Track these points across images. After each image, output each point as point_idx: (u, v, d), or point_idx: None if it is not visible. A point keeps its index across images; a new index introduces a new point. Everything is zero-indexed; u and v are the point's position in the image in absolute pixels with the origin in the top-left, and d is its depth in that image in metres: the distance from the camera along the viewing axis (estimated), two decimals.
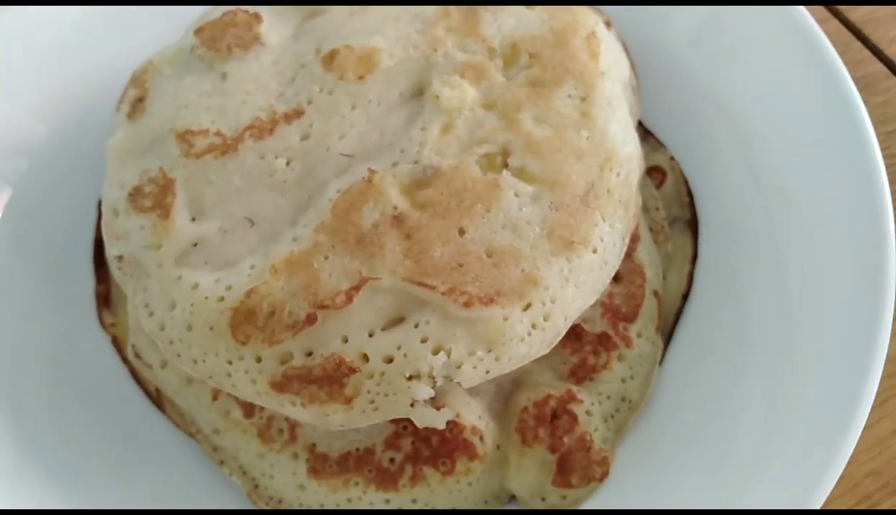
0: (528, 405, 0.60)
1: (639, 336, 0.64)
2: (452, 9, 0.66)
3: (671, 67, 0.76)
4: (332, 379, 0.51)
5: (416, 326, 0.52)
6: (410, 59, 0.63)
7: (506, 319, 0.52)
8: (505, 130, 0.59)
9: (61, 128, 0.75)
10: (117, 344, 0.68)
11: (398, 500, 0.58)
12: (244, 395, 0.53)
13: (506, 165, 0.57)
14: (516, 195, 0.56)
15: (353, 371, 0.51)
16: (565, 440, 0.59)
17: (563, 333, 0.55)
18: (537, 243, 0.54)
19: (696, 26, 0.75)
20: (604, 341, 0.63)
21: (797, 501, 0.51)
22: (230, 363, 0.53)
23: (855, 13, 0.93)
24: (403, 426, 0.59)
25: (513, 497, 0.60)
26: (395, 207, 0.55)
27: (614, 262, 0.58)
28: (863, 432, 0.52)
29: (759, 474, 0.55)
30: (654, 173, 0.73)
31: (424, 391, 0.51)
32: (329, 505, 0.59)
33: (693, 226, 0.70)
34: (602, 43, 0.65)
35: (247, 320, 0.52)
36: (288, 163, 0.59)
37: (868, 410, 0.53)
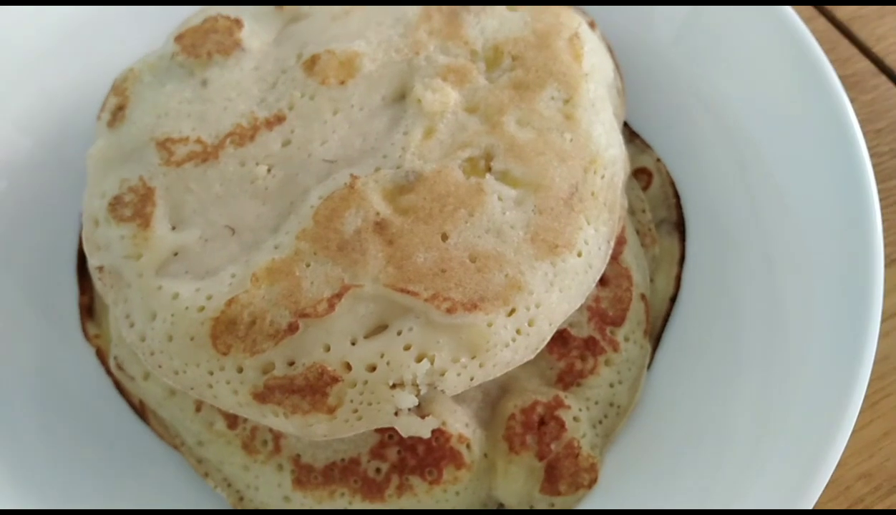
0: (515, 412, 0.59)
1: (626, 340, 0.63)
2: (434, 11, 0.65)
3: (656, 68, 0.75)
4: (314, 389, 0.50)
5: (399, 333, 0.51)
6: (392, 62, 0.63)
7: (490, 325, 0.51)
8: (488, 134, 0.58)
9: (44, 140, 0.74)
10: (101, 355, 0.67)
11: None
12: (226, 406, 0.53)
13: (489, 169, 0.57)
14: (500, 199, 0.55)
15: (335, 380, 0.50)
16: (553, 447, 0.58)
17: (549, 338, 0.54)
18: (521, 247, 0.54)
19: (679, 26, 0.74)
20: (591, 346, 0.62)
21: (788, 503, 0.51)
22: (211, 373, 0.52)
23: (842, 11, 0.92)
24: (389, 435, 0.59)
25: (501, 506, 0.60)
26: (378, 213, 0.54)
27: (599, 266, 0.57)
28: (854, 435, 0.52)
29: (749, 477, 0.54)
30: (640, 175, 0.72)
31: (408, 399, 0.50)
32: None
33: (680, 227, 0.69)
34: (585, 44, 0.64)
35: (228, 330, 0.51)
36: (269, 170, 0.59)
37: (857, 411, 0.52)
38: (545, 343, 0.54)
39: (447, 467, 0.57)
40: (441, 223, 0.54)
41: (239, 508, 0.60)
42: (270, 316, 0.51)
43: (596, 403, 0.61)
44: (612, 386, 0.62)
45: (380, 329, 0.52)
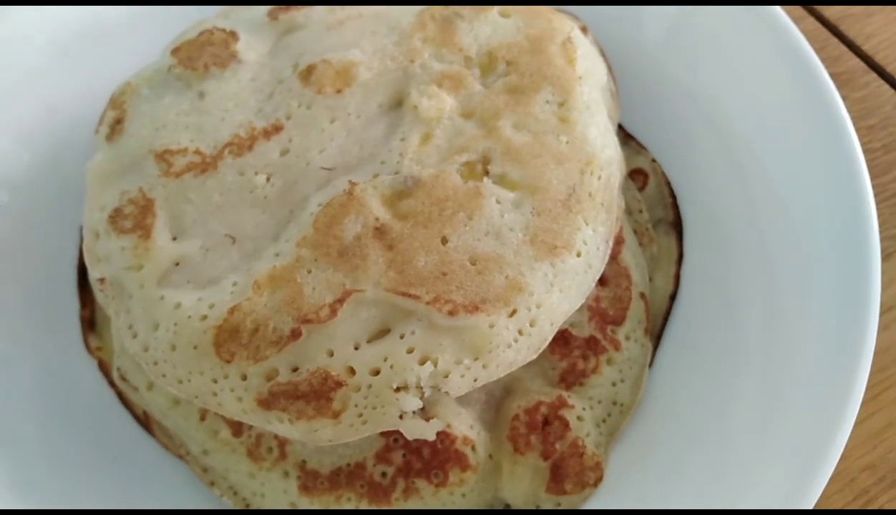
0: (519, 412, 0.59)
1: (627, 339, 0.64)
2: (428, 19, 0.66)
3: (648, 70, 0.76)
4: (318, 394, 0.50)
5: (402, 337, 0.51)
6: (388, 71, 0.63)
7: (492, 326, 0.51)
8: (484, 138, 0.58)
9: (43, 154, 0.74)
10: (104, 367, 0.67)
11: None
12: (231, 414, 0.53)
13: (486, 173, 0.57)
14: (498, 202, 0.56)
15: (339, 385, 0.50)
16: (557, 446, 0.58)
17: (550, 338, 0.54)
18: (521, 249, 0.54)
19: (669, 27, 0.75)
20: (592, 345, 0.62)
21: (792, 496, 0.51)
22: (215, 381, 0.52)
23: (830, 11, 0.93)
24: (394, 439, 0.59)
25: (507, 507, 0.60)
26: (377, 219, 0.54)
27: (598, 266, 0.58)
28: (857, 426, 0.52)
29: (753, 472, 0.54)
30: (636, 176, 0.73)
31: (413, 402, 0.50)
32: None
33: (677, 227, 0.70)
34: (578, 48, 0.65)
35: (231, 338, 0.52)
36: (268, 179, 0.59)
37: (859, 403, 0.53)
38: (547, 343, 0.54)
39: (453, 469, 0.57)
40: (440, 227, 0.54)
41: None
42: (273, 323, 0.51)
43: (599, 402, 0.61)
44: (614, 384, 0.62)
45: (382, 333, 0.52)
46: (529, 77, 0.62)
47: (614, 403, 0.62)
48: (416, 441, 0.56)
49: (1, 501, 0.58)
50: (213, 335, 0.52)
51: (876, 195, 0.60)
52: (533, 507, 0.58)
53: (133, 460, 0.64)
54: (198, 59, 0.66)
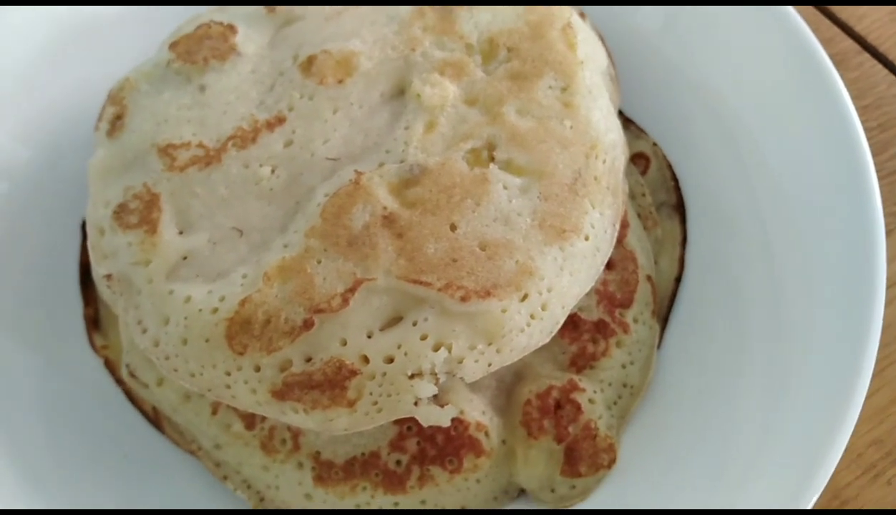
0: (530, 397, 0.59)
1: (635, 321, 0.64)
2: (427, 8, 0.66)
3: (646, 55, 0.76)
4: (333, 383, 0.50)
5: (415, 324, 0.51)
6: (389, 59, 0.63)
7: (504, 311, 0.51)
8: (489, 124, 0.58)
9: (42, 152, 0.74)
10: (110, 366, 0.67)
11: (407, 502, 0.58)
12: (245, 406, 0.53)
13: (492, 159, 0.57)
14: (505, 187, 0.56)
15: (354, 373, 0.50)
16: (570, 429, 0.59)
17: (562, 321, 0.55)
18: (529, 234, 0.54)
19: (666, 12, 0.75)
20: (601, 328, 0.63)
21: (804, 476, 0.51)
22: (229, 374, 0.52)
23: None
24: (408, 427, 0.59)
25: (522, 492, 0.60)
26: (385, 207, 0.54)
27: (606, 249, 0.58)
28: (863, 401, 0.52)
29: (764, 451, 0.55)
30: (637, 160, 0.73)
31: (427, 388, 0.50)
32: None
33: (680, 209, 0.70)
34: (578, 33, 0.65)
35: (243, 330, 0.51)
36: (273, 171, 0.59)
37: (868, 379, 0.53)
38: (559, 326, 0.54)
39: (467, 455, 0.58)
40: (449, 214, 0.54)
41: (260, 508, 0.59)
42: (285, 314, 0.51)
43: (610, 384, 0.62)
44: (624, 366, 0.62)
45: (395, 321, 0.52)
46: (531, 63, 0.62)
47: (624, 385, 0.62)
48: (430, 428, 0.56)
49: (12, 502, 0.57)
50: (225, 327, 0.52)
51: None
52: (548, 490, 0.58)
53: (143, 457, 0.64)
54: (196, 52, 0.65)
